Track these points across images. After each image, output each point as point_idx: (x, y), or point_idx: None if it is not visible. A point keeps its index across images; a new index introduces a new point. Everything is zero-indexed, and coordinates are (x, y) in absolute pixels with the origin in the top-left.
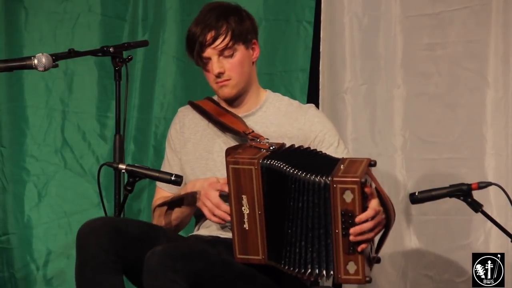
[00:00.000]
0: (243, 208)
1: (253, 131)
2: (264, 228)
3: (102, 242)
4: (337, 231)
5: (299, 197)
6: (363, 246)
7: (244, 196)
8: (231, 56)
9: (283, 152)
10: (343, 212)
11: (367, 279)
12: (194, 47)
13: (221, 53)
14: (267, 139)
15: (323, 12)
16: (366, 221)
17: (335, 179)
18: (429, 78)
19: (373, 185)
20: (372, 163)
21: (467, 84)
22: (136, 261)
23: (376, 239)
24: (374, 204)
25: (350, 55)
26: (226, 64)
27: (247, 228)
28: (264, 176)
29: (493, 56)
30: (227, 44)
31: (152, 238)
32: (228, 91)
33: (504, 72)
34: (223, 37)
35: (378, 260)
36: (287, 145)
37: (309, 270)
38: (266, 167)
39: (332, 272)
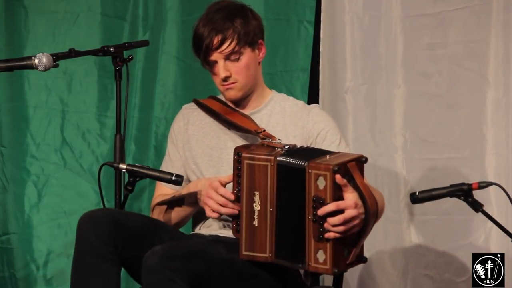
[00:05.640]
0: (254, 204)
1: (264, 130)
2: (274, 226)
3: (101, 233)
4: (309, 217)
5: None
6: (331, 234)
7: (256, 193)
8: (237, 59)
9: (296, 151)
10: (314, 198)
11: (335, 270)
12: (200, 49)
13: (227, 57)
14: (280, 139)
15: (323, 11)
16: (334, 213)
17: (310, 164)
18: (430, 78)
19: (359, 181)
20: (363, 160)
21: (467, 83)
22: (135, 255)
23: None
24: (350, 197)
25: (351, 54)
26: (232, 68)
27: (256, 225)
28: (279, 173)
29: (494, 56)
30: (233, 49)
31: (153, 232)
32: (234, 93)
33: (504, 71)
34: (229, 41)
35: (363, 260)
36: (292, 144)
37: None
38: (281, 165)
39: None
